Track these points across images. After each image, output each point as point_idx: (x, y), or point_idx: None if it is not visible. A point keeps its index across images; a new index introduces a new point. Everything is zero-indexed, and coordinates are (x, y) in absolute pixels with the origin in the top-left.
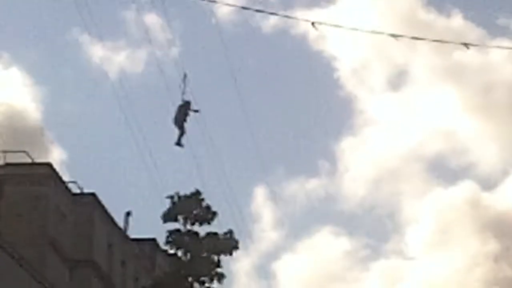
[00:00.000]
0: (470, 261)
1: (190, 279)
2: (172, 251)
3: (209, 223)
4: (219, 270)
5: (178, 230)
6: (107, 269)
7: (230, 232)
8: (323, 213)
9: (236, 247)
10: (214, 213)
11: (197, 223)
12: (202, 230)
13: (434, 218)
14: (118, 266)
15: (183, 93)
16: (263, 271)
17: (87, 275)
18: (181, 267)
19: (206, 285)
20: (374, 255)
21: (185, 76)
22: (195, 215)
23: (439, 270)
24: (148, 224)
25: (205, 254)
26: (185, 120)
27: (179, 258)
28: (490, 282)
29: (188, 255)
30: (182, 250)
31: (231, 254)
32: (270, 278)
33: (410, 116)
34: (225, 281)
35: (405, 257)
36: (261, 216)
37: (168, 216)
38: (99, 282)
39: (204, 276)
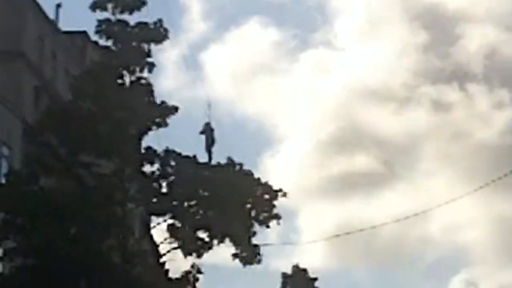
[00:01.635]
0: (399, 52)
1: (120, 68)
2: (102, 42)
3: (139, 10)
4: (149, 59)
5: (108, 20)
6: (37, 62)
7: (160, 21)
8: (252, 3)
9: (166, 37)
10: (144, 2)
11: (126, 12)
12: (132, 19)
13: (364, 9)
14: (48, 59)
15: None
16: (191, 62)
17: (17, 68)
18: (111, 57)
19: (136, 74)
20: (302, 45)
21: None
22: (124, 2)
23: (368, 60)
24: (79, 17)
25: (135, 44)
26: None
27: (109, 48)
28: (418, 72)
29: (118, 45)
30: (112, 40)
31: (160, 43)
32: (198, 69)
33: None
34: (154, 71)
35: (334, 48)
36: (190, 7)
37: (97, 5)
38: (29, 75)
39: (134, 65)
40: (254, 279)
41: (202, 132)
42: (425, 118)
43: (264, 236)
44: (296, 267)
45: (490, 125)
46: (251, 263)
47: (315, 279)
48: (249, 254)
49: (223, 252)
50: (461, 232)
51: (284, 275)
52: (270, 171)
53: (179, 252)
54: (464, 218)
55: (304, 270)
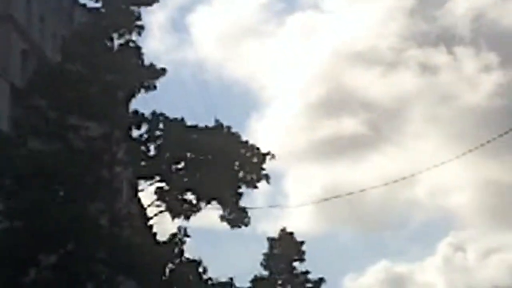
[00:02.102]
0: (386, 15)
1: (109, 31)
2: (91, 4)
3: None
4: (138, 22)
5: None
6: (25, 25)
7: None
8: None
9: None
10: None
11: None
12: None
13: None
14: (37, 22)
15: None
16: (179, 24)
17: (5, 31)
18: (100, 19)
19: (125, 37)
20: (290, 8)
21: None
22: None
23: (355, 23)
24: None
25: (123, 6)
26: None
27: (98, 10)
28: (405, 36)
29: (107, 7)
30: (101, 2)
31: (149, 5)
32: (185, 31)
33: None
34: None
35: (322, 11)
36: None
37: None
38: (17, 38)
39: (123, 28)
40: (241, 243)
41: None
42: (412, 81)
43: (252, 199)
44: (282, 231)
45: (478, 88)
46: (238, 225)
47: (302, 242)
48: (237, 217)
49: (211, 216)
50: (449, 195)
51: (271, 239)
52: (257, 133)
53: (167, 215)
54: (451, 182)
55: (291, 234)
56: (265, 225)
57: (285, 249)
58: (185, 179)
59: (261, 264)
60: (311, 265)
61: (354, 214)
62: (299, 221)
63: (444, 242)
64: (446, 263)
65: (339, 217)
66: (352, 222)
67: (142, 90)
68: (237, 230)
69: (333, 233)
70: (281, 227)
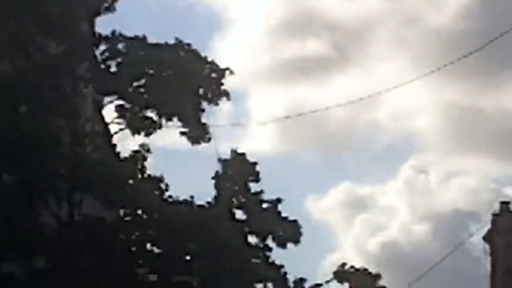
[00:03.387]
0: None
1: None
2: None
3: None
4: None
5: None
6: None
7: None
8: None
9: None
10: None
11: None
12: None
13: None
14: None
15: None
16: None
17: None
18: None
19: None
20: None
21: None
22: None
23: None
24: None
25: None
26: None
27: None
28: None
29: None
30: None
31: None
32: None
33: None
34: None
35: None
36: None
37: None
38: None
39: None
40: (203, 163)
41: None
42: (377, 2)
43: (214, 119)
44: (234, 152)
45: (443, 11)
46: (199, 142)
47: (255, 163)
48: (198, 133)
49: (173, 136)
50: (412, 118)
51: (222, 160)
52: (220, 54)
53: (129, 134)
54: (414, 104)
55: (243, 154)
56: (227, 145)
57: (238, 170)
58: (146, 96)
59: (215, 185)
60: (273, 186)
61: (316, 135)
62: (261, 141)
63: (406, 165)
64: (408, 186)
65: (301, 138)
66: (314, 143)
67: (104, 10)
68: (199, 150)
69: (295, 153)
70: (233, 148)
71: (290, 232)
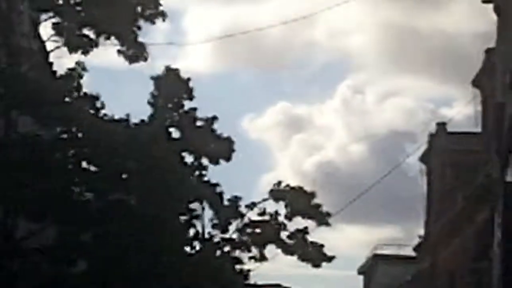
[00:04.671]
0: None
1: None
2: None
3: None
4: None
5: None
6: None
7: None
8: None
9: None
10: None
11: None
12: None
13: None
14: None
15: None
16: None
17: None
18: None
19: None
20: None
21: None
22: None
23: None
24: None
25: None
26: None
27: None
28: None
29: None
30: None
31: None
32: None
33: None
34: None
35: None
36: None
37: None
38: None
39: None
40: (140, 80)
41: None
42: None
43: (151, 38)
44: (168, 69)
45: None
46: (136, 60)
47: (188, 79)
48: (135, 52)
49: (110, 55)
50: (348, 37)
51: (155, 78)
52: None
53: (66, 52)
54: (351, 23)
55: (176, 70)
56: (164, 64)
57: (171, 87)
58: (83, 14)
59: (149, 103)
60: (209, 105)
61: (253, 55)
62: (198, 60)
63: (343, 84)
64: (344, 106)
65: (238, 57)
66: (251, 63)
67: None
68: (135, 68)
69: (232, 73)
70: (166, 65)
71: (223, 149)
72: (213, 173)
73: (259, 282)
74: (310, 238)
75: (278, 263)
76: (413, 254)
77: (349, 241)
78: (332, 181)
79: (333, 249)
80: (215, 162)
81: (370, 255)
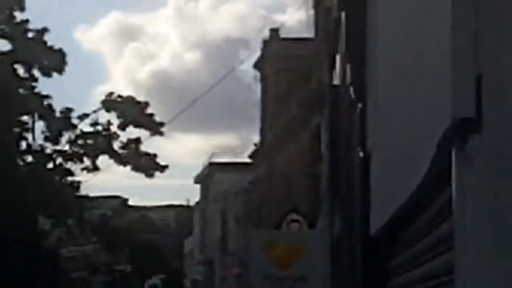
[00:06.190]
0: None
1: None
2: None
3: None
4: None
5: None
6: None
7: None
8: None
9: None
10: None
11: None
12: None
13: None
14: None
15: None
16: None
17: None
18: None
19: None
20: None
21: None
22: None
23: None
24: None
25: None
26: None
27: None
28: None
29: None
30: None
31: None
32: None
33: None
34: None
35: None
36: None
37: None
38: None
39: None
40: None
41: None
42: None
43: None
44: None
45: None
46: None
47: None
48: None
49: None
50: None
51: None
52: None
53: None
54: None
55: None
56: None
57: None
58: None
59: None
60: (40, 16)
61: None
62: None
63: None
64: (178, 14)
65: None
66: None
67: None
68: None
69: None
70: None
71: (55, 62)
72: (48, 85)
73: (98, 194)
74: (145, 148)
75: (115, 174)
76: (249, 161)
77: (186, 150)
78: (167, 89)
79: (169, 159)
80: (47, 74)
81: (206, 163)
